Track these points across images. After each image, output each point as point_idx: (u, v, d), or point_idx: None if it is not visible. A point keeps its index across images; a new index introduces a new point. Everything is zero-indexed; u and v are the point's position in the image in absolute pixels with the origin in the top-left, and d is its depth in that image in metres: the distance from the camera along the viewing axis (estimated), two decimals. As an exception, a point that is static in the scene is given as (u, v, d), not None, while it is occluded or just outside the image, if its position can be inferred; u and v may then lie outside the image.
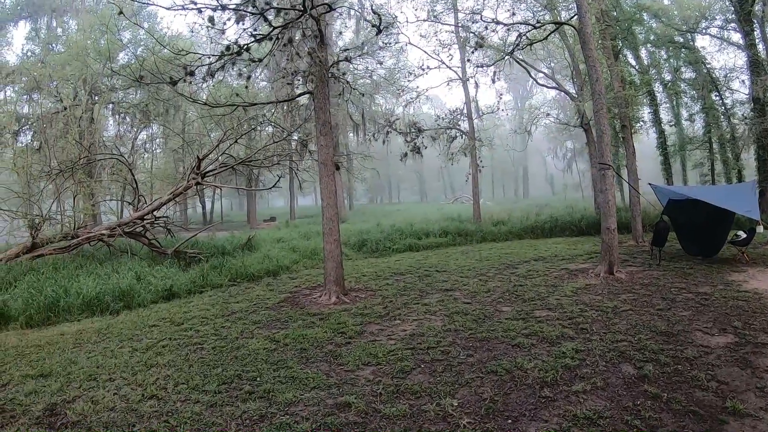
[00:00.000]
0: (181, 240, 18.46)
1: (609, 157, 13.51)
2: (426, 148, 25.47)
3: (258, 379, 7.14)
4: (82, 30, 32.81)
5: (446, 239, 22.40)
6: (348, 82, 15.93)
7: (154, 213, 18.36)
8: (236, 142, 20.65)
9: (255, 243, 19.90)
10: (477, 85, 26.26)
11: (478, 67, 21.24)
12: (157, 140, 42.13)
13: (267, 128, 25.53)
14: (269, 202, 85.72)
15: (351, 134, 39.54)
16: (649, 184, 17.04)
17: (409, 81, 28.79)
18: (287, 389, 6.68)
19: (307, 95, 13.73)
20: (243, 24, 11.26)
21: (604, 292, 11.41)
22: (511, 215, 27.36)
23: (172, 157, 39.05)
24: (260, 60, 12.96)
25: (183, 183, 18.85)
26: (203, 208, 46.06)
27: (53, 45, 39.28)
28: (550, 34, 19.50)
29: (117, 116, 34.25)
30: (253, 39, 11.66)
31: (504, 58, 17.31)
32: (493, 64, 19.91)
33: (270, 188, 21.59)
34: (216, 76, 12.49)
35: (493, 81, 19.38)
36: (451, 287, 12.87)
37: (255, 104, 15.67)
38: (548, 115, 27.86)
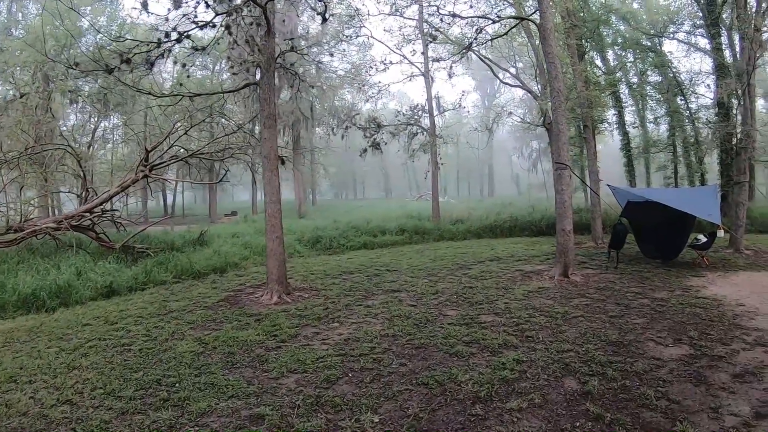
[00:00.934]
0: (130, 234, 17.43)
1: (566, 156, 12.95)
2: (386, 144, 24.86)
3: (177, 385, 6.59)
4: (40, 15, 31.41)
5: (402, 237, 21.74)
6: (297, 73, 15.17)
7: (103, 206, 17.27)
8: (186, 133, 19.66)
9: (207, 238, 19.01)
10: (433, 80, 25.69)
11: (434, 60, 20.61)
12: (119, 131, 40.72)
13: (230, 120, 24.71)
14: (233, 195, 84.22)
15: (317, 128, 38.67)
16: (608, 185, 16.61)
17: (370, 75, 28.00)
18: (204, 397, 6.17)
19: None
20: (182, 9, 10.63)
21: (556, 296, 10.80)
22: (471, 214, 26.80)
23: (133, 148, 37.81)
24: (203, 48, 12.29)
25: (131, 175, 17.81)
26: (164, 201, 44.81)
27: (12, 30, 37.68)
28: (511, 29, 18.97)
29: (75, 105, 32.91)
30: (194, 25, 10.99)
31: (461, 52, 16.63)
32: (449, 58, 19.28)
33: (218, 182, 20.74)
34: (169, 64, 11.74)
35: (450, 76, 18.81)
36: (398, 288, 12.18)
37: (199, 94, 14.78)
38: (511, 114, 27.27)
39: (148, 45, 11.05)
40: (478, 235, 23.10)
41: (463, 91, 26.27)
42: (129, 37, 14.07)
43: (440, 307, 10.24)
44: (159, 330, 9.16)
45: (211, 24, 11.05)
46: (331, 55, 23.96)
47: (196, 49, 12.01)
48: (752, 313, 9.25)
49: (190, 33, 11.11)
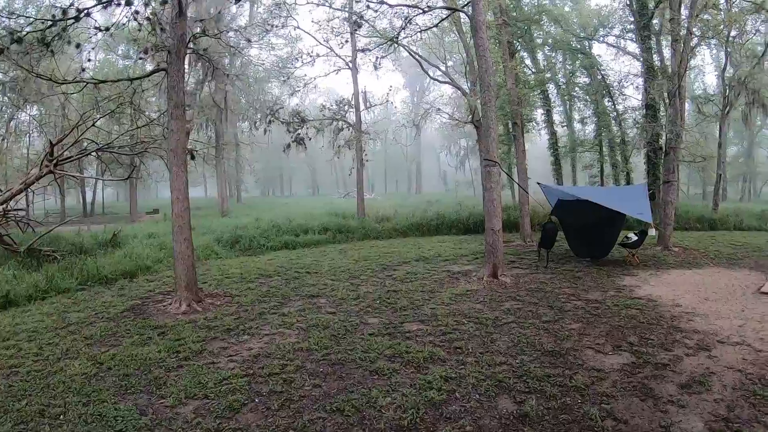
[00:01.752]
0: (37, 236, 15.70)
1: (495, 153, 12.31)
2: (311, 139, 23.91)
3: (62, 416, 5.48)
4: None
5: (325, 237, 20.69)
6: (210, 60, 14.02)
7: (6, 205, 15.46)
8: (94, 125, 18.12)
9: (121, 239, 17.50)
10: (357, 69, 24.74)
11: (360, 51, 19.79)
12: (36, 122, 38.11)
13: (142, 112, 23.11)
14: (158, 192, 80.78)
15: (244, 122, 37.23)
16: (538, 183, 16.21)
17: (296, 68, 26.89)
18: (89, 432, 5.04)
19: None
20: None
21: (485, 300, 10.09)
22: (397, 211, 26.02)
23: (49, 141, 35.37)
24: (107, 29, 10.98)
25: (35, 171, 16.13)
26: (83, 199, 42.25)
27: None
28: (442, 21, 18.38)
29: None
30: (96, 2, 10.03)
31: (388, 42, 15.88)
32: (376, 48, 18.50)
33: (126, 178, 19.22)
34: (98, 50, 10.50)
35: (375, 68, 18.09)
36: (317, 293, 11.21)
37: (103, 81, 13.46)
38: (439, 110, 26.73)
39: (43, 23, 9.83)
40: (404, 233, 22.35)
41: (391, 87, 25.60)
42: (23, 15, 12.62)
43: (361, 314, 9.35)
44: (52, 347, 7.86)
45: (116, 2, 9.97)
46: (249, 41, 22.59)
47: (100, 30, 10.80)
48: (690, 314, 8.86)
49: (90, 11, 10.02)
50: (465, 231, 22.63)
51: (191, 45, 12.12)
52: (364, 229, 21.91)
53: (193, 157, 12.17)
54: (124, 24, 11.90)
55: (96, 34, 11.26)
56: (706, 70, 45.24)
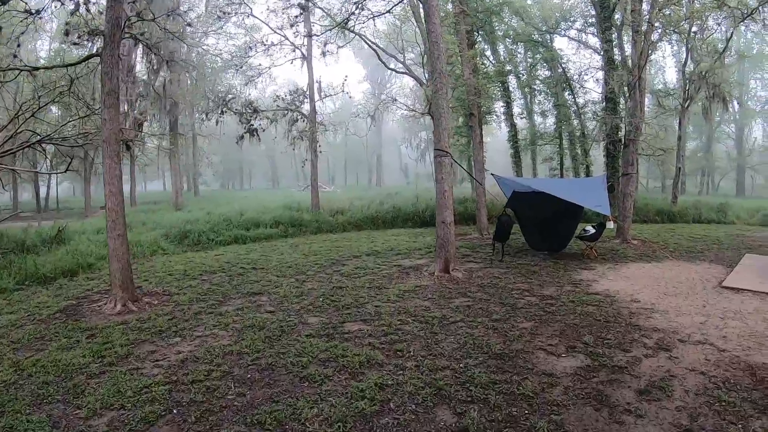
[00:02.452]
0: None
1: (447, 143, 11.70)
2: (264, 130, 23.12)
3: None
4: None
5: (277, 230, 19.88)
6: (148, 44, 13.13)
7: None
8: (34, 116, 16.97)
9: (66, 235, 16.40)
10: (310, 59, 23.92)
11: (308, 36, 19.07)
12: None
13: (80, 101, 21.95)
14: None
15: (198, 114, 36.04)
16: (492, 174, 15.68)
17: (249, 56, 25.94)
18: (-5, 451, 4.59)
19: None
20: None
21: (434, 297, 9.44)
22: (352, 204, 25.25)
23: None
24: (38, 12, 10.50)
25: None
26: (36, 193, 40.49)
27: None
28: (395, 6, 17.90)
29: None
30: None
31: (336, 27, 15.20)
32: (322, 34, 17.85)
33: (65, 171, 18.06)
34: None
35: (324, 54, 17.40)
36: (260, 290, 10.43)
37: (38, 68, 12.57)
38: (396, 101, 26.07)
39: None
40: (358, 226, 21.67)
41: (346, 77, 24.64)
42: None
43: (302, 313, 8.63)
44: (-24, 353, 7.03)
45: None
46: (189, 25, 21.71)
47: (30, 13, 10.01)
48: (649, 310, 8.37)
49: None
50: (421, 224, 22.04)
51: (130, 30, 11.26)
52: (317, 223, 21.15)
53: (128, 148, 11.26)
54: (56, 7, 11.16)
55: (27, 18, 10.53)
56: (666, 65, 45.67)
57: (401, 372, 5.91)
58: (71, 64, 13.61)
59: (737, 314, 8.15)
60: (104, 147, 9.83)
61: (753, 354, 6.42)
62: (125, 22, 10.91)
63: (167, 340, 7.42)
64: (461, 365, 6.05)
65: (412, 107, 29.75)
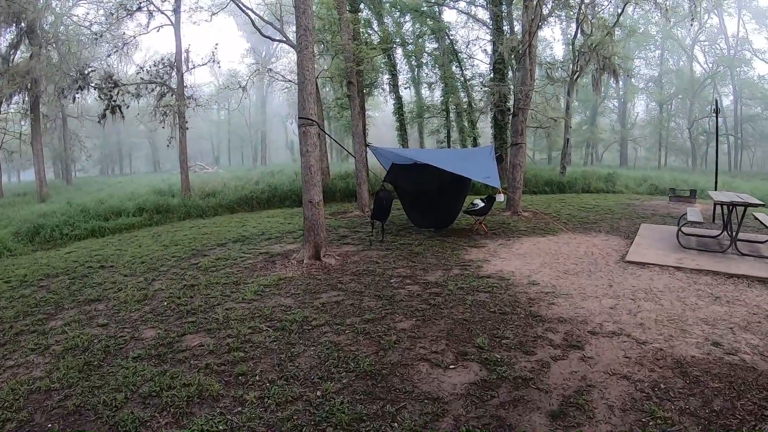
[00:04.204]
0: None
1: (313, 110, 9.94)
2: (128, 107, 20.60)
3: None
4: None
5: (141, 219, 17.50)
6: None
7: None
8: None
9: None
10: (172, 23, 21.48)
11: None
12: None
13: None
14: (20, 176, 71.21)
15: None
16: (367, 145, 14.19)
17: (110, 23, 22.99)
18: None
19: None
20: None
21: (299, 292, 7.74)
22: (225, 185, 23.12)
23: None
24: None
25: None
26: None
27: None
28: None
29: None
30: None
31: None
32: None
33: None
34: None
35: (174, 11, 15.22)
36: (100, 295, 8.31)
37: None
38: (270, 70, 24.22)
39: None
40: (231, 209, 19.61)
41: (216, 44, 22.45)
42: None
43: (138, 324, 6.71)
44: None
45: None
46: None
47: None
48: (550, 295, 7.14)
49: None
50: (299, 203, 20.11)
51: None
52: (185, 208, 18.86)
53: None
54: None
55: None
56: (555, 39, 46.42)
57: (239, 409, 4.26)
58: None
59: (649, 294, 7.05)
60: None
61: (677, 344, 5.31)
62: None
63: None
64: (318, 393, 4.46)
65: (287, 78, 27.81)
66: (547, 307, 6.54)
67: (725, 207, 9.85)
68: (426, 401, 4.25)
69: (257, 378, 4.83)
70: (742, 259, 8.88)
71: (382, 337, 5.67)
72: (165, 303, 7.55)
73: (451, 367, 4.89)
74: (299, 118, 9.76)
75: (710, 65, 52.64)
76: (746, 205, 9.27)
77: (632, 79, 48.43)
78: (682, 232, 10.37)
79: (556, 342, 5.41)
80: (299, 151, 9.98)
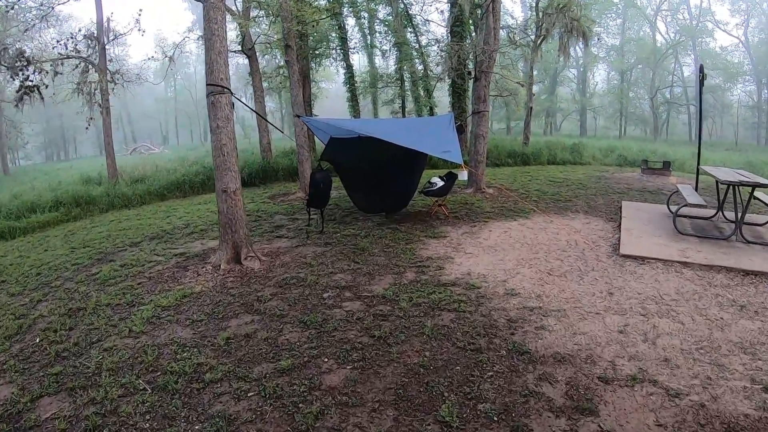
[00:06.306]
0: None
1: (225, 74, 7.84)
2: (46, 87, 18.21)
3: None
4: None
5: (57, 214, 15.00)
6: None
7: None
8: None
9: None
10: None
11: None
12: None
13: None
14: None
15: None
16: (297, 115, 12.33)
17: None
18: None
19: None
20: None
21: (202, 317, 5.75)
22: (158, 168, 20.80)
23: None
24: None
25: None
26: None
27: None
28: None
29: None
30: None
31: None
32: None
33: None
34: None
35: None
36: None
37: None
38: (200, 38, 22.02)
39: None
40: (161, 196, 17.25)
41: (141, 10, 20.06)
42: None
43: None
44: None
45: None
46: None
47: None
48: (536, 312, 5.44)
49: None
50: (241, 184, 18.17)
51: None
52: (109, 197, 16.32)
53: None
54: None
55: None
56: (514, 0, 45.15)
57: None
58: None
59: (661, 305, 5.44)
60: None
61: (720, 393, 3.82)
62: None
63: None
64: None
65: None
66: (536, 335, 4.81)
67: (730, 187, 8.19)
68: None
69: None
70: (751, 249, 7.39)
71: (298, 406, 3.80)
72: (38, 340, 5.52)
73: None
74: (207, 84, 7.72)
75: (672, 35, 52.40)
76: (755, 186, 7.68)
77: (593, 48, 47.67)
78: (679, 216, 8.79)
79: (556, 402, 3.70)
80: (209, 127, 7.96)
